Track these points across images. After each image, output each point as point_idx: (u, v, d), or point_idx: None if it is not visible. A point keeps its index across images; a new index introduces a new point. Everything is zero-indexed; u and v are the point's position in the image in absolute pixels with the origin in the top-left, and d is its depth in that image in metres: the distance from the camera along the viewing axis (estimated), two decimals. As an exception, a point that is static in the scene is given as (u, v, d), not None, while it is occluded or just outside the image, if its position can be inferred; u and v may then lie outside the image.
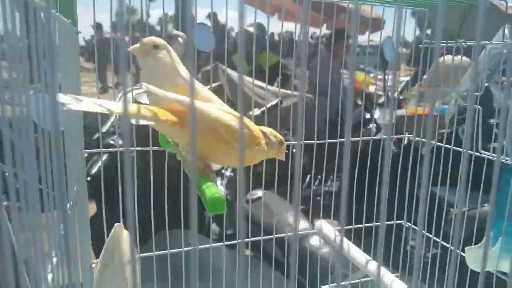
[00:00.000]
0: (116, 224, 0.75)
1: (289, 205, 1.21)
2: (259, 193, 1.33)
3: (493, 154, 0.98)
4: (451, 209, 1.02)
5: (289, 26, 4.39)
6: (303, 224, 1.29)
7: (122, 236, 0.75)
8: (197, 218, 1.00)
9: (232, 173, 1.57)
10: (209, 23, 1.23)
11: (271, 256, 1.07)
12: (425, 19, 1.07)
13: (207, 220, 1.35)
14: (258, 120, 0.98)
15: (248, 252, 1.14)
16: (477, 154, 0.98)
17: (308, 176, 1.91)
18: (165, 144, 0.81)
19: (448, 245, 1.03)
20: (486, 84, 1.11)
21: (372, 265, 0.82)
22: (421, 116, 1.19)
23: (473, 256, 0.95)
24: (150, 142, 0.88)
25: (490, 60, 1.11)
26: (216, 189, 0.58)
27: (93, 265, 0.84)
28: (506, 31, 1.21)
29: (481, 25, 0.30)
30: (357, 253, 0.87)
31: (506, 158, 0.90)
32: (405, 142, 1.14)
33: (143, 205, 0.78)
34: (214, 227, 1.36)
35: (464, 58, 1.34)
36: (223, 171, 1.58)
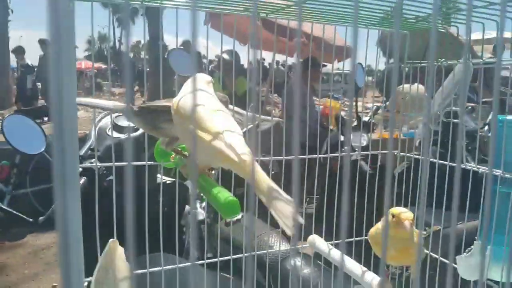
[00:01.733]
0: (110, 240, 0.74)
1: (269, 227, 1.22)
2: (238, 216, 1.33)
3: (479, 166, 1.04)
4: (427, 228, 1.06)
5: (264, 54, 4.50)
6: (283, 245, 1.30)
7: (116, 253, 0.74)
8: (177, 242, 0.99)
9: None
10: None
11: (252, 278, 1.06)
12: (406, 41, 1.13)
13: (186, 244, 1.34)
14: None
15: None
16: (462, 166, 1.03)
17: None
18: (161, 159, 0.82)
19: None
20: (454, 108, 1.18)
21: (369, 276, 0.83)
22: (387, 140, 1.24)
23: (464, 265, 0.98)
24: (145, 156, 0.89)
25: (454, 86, 1.18)
26: (228, 193, 0.59)
27: (86, 283, 0.81)
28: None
29: (432, 51, 0.33)
30: (352, 265, 0.89)
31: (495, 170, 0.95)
32: (379, 163, 1.19)
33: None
34: (193, 251, 1.34)
35: (420, 86, 1.42)
36: (201, 194, 1.57)
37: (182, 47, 1.18)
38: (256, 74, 1.64)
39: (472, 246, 1.00)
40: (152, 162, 0.89)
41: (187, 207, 1.45)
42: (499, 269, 0.90)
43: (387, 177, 0.31)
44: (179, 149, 0.80)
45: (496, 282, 0.99)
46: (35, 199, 3.23)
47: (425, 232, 0.90)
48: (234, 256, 1.01)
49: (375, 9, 0.92)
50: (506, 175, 0.91)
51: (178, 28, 1.05)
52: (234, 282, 1.04)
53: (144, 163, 0.91)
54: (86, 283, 0.78)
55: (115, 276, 0.72)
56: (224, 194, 0.58)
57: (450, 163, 1.02)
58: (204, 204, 1.51)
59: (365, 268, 0.87)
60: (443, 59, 1.10)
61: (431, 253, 0.95)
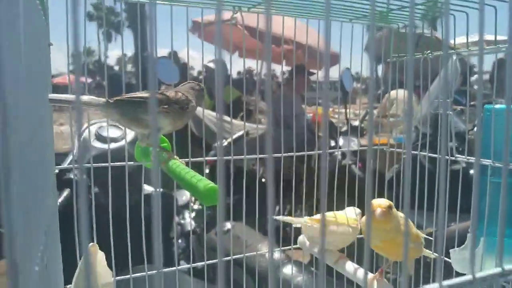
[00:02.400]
0: (90, 244, 0.70)
1: (259, 236, 1.19)
2: (228, 225, 1.31)
3: (468, 157, 1.03)
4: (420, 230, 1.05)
5: (250, 63, 4.50)
6: (275, 254, 1.27)
7: (96, 257, 0.71)
8: (164, 253, 0.96)
9: (200, 206, 1.54)
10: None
11: (241, 285, 1.04)
12: (391, 36, 1.12)
13: (176, 255, 1.31)
14: (226, 151, 0.98)
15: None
16: (452, 158, 1.02)
17: (277, 207, 1.91)
18: (141, 158, 0.79)
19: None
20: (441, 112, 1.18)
21: (361, 273, 0.82)
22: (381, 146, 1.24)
23: (457, 258, 0.97)
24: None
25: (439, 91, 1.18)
26: (207, 180, 0.58)
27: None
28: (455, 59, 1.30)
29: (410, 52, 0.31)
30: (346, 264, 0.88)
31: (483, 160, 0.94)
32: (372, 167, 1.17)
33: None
34: (182, 263, 1.32)
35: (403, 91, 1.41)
36: (191, 204, 1.55)
37: (166, 56, 1.16)
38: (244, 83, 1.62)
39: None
40: (133, 162, 0.87)
41: (176, 218, 1.42)
42: (493, 260, 0.89)
43: (367, 166, 0.30)
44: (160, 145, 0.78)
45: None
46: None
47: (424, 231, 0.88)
48: (233, 256, 0.98)
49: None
50: (497, 164, 0.90)
51: (162, 40, 1.04)
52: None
53: (124, 163, 0.88)
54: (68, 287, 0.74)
55: (95, 283, 0.68)
56: (204, 182, 0.58)
57: (438, 155, 1.02)
58: (193, 214, 1.48)
59: (357, 266, 0.87)
60: (429, 51, 1.09)
61: (432, 253, 0.94)
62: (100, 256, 0.72)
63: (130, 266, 0.85)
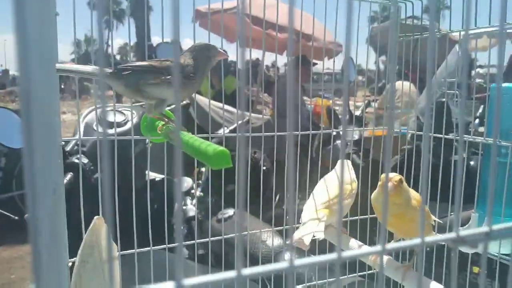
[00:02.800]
0: (96, 217, 0.69)
1: (261, 223, 1.20)
2: (230, 212, 1.32)
3: (475, 137, 1.03)
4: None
5: (254, 53, 4.49)
6: (276, 241, 1.28)
7: (102, 231, 0.69)
8: (168, 239, 0.97)
9: (201, 193, 1.55)
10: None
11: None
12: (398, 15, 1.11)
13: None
14: (228, 140, 0.98)
15: None
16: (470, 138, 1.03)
17: (278, 195, 1.91)
18: (147, 133, 0.79)
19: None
20: (444, 100, 1.18)
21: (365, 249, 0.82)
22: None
23: None
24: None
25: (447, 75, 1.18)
26: (216, 145, 0.58)
27: (70, 264, 0.76)
28: (457, 49, 1.30)
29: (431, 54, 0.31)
30: (348, 240, 0.88)
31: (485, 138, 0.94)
32: (371, 156, 1.18)
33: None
34: (184, 250, 1.33)
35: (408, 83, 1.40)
36: (192, 191, 1.56)
37: (169, 41, 1.16)
38: (246, 74, 1.62)
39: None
40: (139, 136, 0.86)
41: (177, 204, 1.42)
42: (497, 241, 0.90)
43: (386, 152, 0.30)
44: (165, 117, 0.76)
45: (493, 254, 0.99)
46: (21, 202, 3.18)
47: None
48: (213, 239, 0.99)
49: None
50: (503, 143, 0.91)
51: (165, 28, 1.04)
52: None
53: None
54: (70, 264, 0.74)
55: (100, 256, 0.67)
56: (212, 146, 0.58)
57: (445, 136, 1.02)
58: (194, 201, 1.49)
59: (361, 243, 0.87)
60: (436, 30, 1.09)
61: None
62: (106, 229, 0.70)
63: (135, 242, 0.85)
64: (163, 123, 0.75)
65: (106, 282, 0.65)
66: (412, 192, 0.79)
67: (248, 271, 0.23)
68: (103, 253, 0.67)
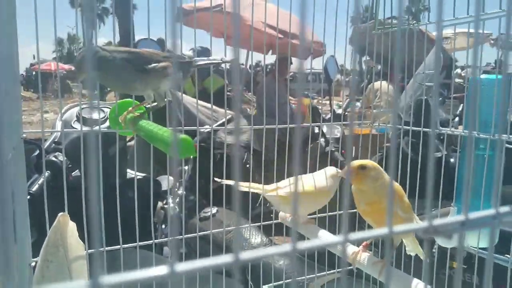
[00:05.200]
0: (60, 214, 0.66)
1: (243, 221, 1.20)
2: (214, 210, 1.31)
3: (453, 129, 1.04)
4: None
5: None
6: (258, 238, 1.28)
7: (67, 228, 0.66)
8: (147, 238, 0.96)
9: (184, 192, 1.54)
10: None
11: (228, 269, 1.04)
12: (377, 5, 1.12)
13: (159, 245, 1.30)
14: (207, 138, 0.98)
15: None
16: (436, 131, 1.04)
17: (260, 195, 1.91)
18: (115, 125, 0.78)
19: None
20: (425, 98, 1.20)
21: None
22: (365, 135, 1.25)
23: None
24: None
25: (426, 76, 1.19)
26: (181, 134, 0.57)
27: (33, 263, 0.72)
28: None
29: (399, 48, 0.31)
30: (326, 235, 0.89)
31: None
32: (353, 155, 1.18)
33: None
34: (166, 249, 1.31)
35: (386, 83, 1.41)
36: (175, 189, 1.55)
37: (148, 38, 1.15)
38: (231, 73, 1.61)
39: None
40: (107, 129, 0.84)
41: (159, 203, 1.41)
42: (476, 235, 0.91)
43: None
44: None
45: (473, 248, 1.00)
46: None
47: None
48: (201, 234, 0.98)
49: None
50: (481, 136, 0.92)
51: (145, 28, 1.03)
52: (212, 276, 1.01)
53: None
54: (33, 263, 0.71)
55: (66, 255, 0.63)
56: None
57: (424, 129, 1.03)
58: (177, 199, 1.48)
59: (332, 235, 0.88)
60: (414, 22, 1.10)
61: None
62: (71, 226, 0.67)
63: (120, 239, 0.84)
64: (125, 113, 0.73)
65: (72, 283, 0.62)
66: (394, 184, 0.78)
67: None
68: (69, 252, 0.63)
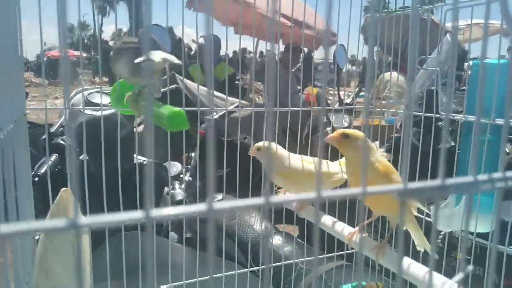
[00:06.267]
0: (62, 189, 0.66)
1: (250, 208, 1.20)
2: (219, 196, 1.32)
3: (454, 114, 1.03)
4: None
5: (244, 42, 4.46)
6: (265, 225, 1.29)
7: (69, 203, 0.66)
8: (155, 223, 0.97)
9: (190, 178, 1.55)
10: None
11: (232, 255, 1.06)
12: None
13: (164, 224, 1.32)
14: (219, 124, 0.98)
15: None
16: (437, 115, 1.04)
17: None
18: (117, 104, 0.78)
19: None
20: (433, 88, 1.18)
21: (339, 226, 0.85)
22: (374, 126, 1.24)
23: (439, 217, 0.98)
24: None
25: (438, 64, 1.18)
26: (172, 107, 0.58)
27: (36, 237, 0.73)
28: (449, 38, 1.30)
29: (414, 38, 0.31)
30: (325, 219, 0.90)
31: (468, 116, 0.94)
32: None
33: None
34: (173, 234, 1.33)
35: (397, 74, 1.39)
36: (181, 175, 1.56)
37: (159, 24, 1.15)
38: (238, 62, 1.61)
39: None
40: (109, 108, 0.85)
41: (166, 188, 1.43)
42: (481, 222, 0.91)
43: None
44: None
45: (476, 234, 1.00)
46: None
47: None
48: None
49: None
50: (482, 121, 0.91)
51: (160, 15, 1.03)
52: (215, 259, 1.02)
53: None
54: (37, 237, 0.72)
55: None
56: (168, 108, 0.58)
57: (436, 115, 1.02)
58: (183, 185, 1.49)
59: (335, 219, 0.88)
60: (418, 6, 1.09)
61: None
62: (73, 201, 0.65)
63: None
64: (130, 93, 0.74)
65: (74, 256, 0.63)
66: (382, 159, 0.76)
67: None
68: None
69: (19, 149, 0.68)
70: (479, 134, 0.89)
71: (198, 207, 0.22)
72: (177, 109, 0.57)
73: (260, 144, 0.91)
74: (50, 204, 0.74)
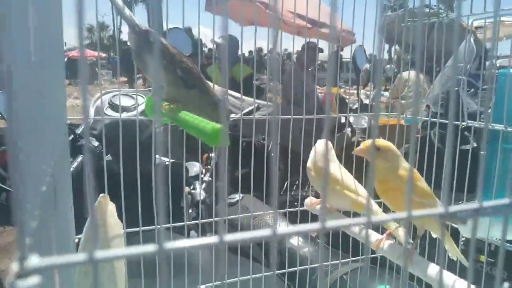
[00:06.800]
0: (100, 195, 0.69)
1: (267, 208, 1.21)
2: (237, 196, 1.33)
3: (480, 122, 1.03)
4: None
5: (260, 42, 4.47)
6: (282, 225, 1.30)
7: (107, 208, 0.69)
8: (174, 222, 0.99)
9: (210, 178, 1.57)
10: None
11: (249, 253, 1.07)
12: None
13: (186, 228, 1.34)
14: (234, 126, 0.99)
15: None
16: (464, 123, 1.04)
17: (286, 183, 1.93)
18: (152, 113, 0.80)
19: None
20: (456, 89, 1.17)
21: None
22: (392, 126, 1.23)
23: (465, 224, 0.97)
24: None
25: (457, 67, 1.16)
26: (212, 122, 0.61)
27: (76, 240, 0.76)
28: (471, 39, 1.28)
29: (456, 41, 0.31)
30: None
31: (493, 124, 0.94)
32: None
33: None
34: (193, 233, 1.35)
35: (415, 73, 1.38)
36: (201, 175, 1.58)
37: (178, 27, 1.17)
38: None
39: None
40: (144, 117, 0.88)
41: (187, 188, 1.44)
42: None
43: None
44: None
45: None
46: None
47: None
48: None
49: None
50: (509, 129, 0.90)
51: (178, 16, 1.05)
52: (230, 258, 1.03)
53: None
54: (76, 240, 0.75)
55: (106, 233, 0.67)
56: (210, 124, 0.61)
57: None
58: (204, 185, 1.51)
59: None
60: (444, 15, 1.08)
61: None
62: (111, 207, 0.70)
63: (140, 220, 0.87)
64: (166, 103, 0.76)
65: (113, 263, 0.66)
66: (407, 166, 0.78)
67: (229, 237, 0.23)
68: (109, 230, 0.68)
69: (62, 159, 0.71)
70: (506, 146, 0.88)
71: (210, 240, 0.23)
72: (218, 126, 0.59)
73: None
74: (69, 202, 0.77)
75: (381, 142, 0.78)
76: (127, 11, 0.72)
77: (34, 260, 0.19)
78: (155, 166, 0.83)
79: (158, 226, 0.75)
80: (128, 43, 0.77)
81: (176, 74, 0.73)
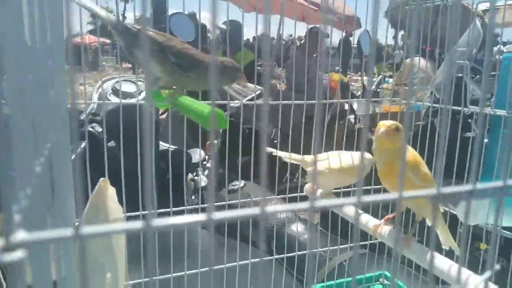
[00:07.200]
0: (101, 179, 0.70)
1: (269, 194, 1.22)
2: (241, 183, 1.34)
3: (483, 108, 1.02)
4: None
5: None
6: (283, 212, 1.30)
7: (107, 192, 0.70)
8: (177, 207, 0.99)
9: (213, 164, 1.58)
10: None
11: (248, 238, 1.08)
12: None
13: (186, 211, 1.35)
14: (237, 113, 0.98)
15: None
16: (465, 109, 1.03)
17: (288, 171, 1.94)
18: (154, 98, 0.80)
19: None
20: (460, 75, 1.16)
21: (364, 218, 0.86)
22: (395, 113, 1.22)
23: (463, 211, 0.97)
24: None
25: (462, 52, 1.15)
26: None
27: (76, 223, 0.78)
28: (478, 23, 1.26)
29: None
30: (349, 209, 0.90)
31: (495, 110, 0.93)
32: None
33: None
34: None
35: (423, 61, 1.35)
36: (204, 162, 1.58)
37: (181, 12, 1.15)
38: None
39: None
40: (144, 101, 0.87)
41: (189, 175, 1.45)
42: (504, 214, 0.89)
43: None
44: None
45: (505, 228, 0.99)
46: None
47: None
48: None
49: None
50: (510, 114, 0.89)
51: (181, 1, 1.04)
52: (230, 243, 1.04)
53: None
54: (76, 223, 0.76)
55: (106, 217, 0.67)
56: (207, 107, 0.62)
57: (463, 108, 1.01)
58: (206, 172, 1.51)
59: (361, 211, 0.88)
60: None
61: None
62: (111, 191, 0.71)
63: (140, 206, 0.87)
64: (168, 90, 0.76)
65: (112, 242, 0.66)
66: (412, 151, 0.78)
67: (217, 215, 0.23)
68: (109, 214, 0.68)
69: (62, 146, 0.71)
70: (508, 132, 0.87)
71: (198, 217, 0.23)
72: (217, 109, 0.60)
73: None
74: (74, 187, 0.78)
75: (397, 123, 0.76)
76: (103, 12, 0.71)
77: (20, 235, 0.19)
78: (141, 147, 0.83)
79: (159, 210, 0.75)
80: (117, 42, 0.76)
81: (169, 60, 0.71)
